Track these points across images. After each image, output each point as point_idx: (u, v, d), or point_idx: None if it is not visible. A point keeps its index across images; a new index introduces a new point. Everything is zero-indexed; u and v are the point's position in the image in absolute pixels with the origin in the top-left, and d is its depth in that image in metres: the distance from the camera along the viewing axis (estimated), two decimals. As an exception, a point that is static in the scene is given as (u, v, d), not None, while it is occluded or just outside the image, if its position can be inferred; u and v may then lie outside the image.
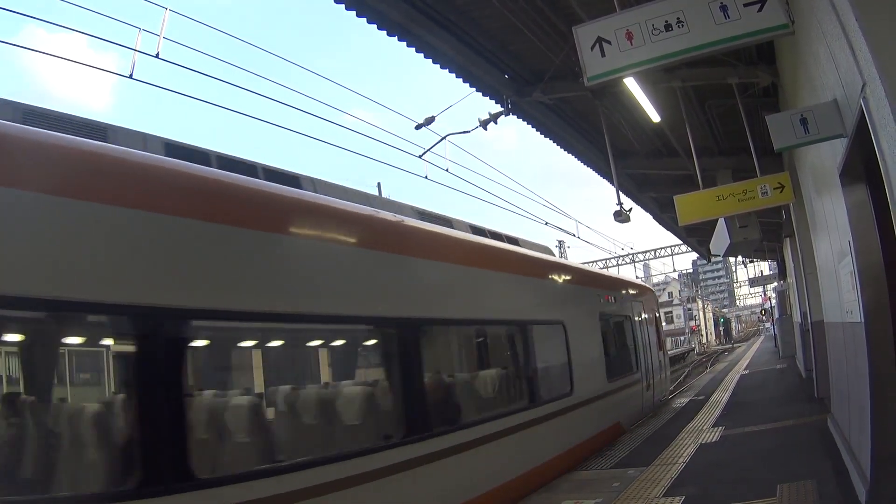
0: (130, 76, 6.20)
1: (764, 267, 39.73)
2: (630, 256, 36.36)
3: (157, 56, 6.10)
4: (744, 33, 4.08)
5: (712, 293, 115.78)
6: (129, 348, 3.24)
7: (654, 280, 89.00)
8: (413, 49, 6.85)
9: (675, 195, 7.96)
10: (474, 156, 11.48)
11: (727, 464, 6.66)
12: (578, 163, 11.41)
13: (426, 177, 10.12)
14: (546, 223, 32.75)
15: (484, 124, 8.42)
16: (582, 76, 4.53)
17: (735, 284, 77.40)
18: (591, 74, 4.48)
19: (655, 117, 7.94)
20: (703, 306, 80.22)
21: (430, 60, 7.15)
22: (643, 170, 12.23)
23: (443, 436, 5.10)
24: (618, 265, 36.99)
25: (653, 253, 36.92)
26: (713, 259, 34.79)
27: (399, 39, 6.62)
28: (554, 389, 7.59)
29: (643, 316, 12.10)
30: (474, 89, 8.00)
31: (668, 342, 64.90)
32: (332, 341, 5.05)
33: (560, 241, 39.74)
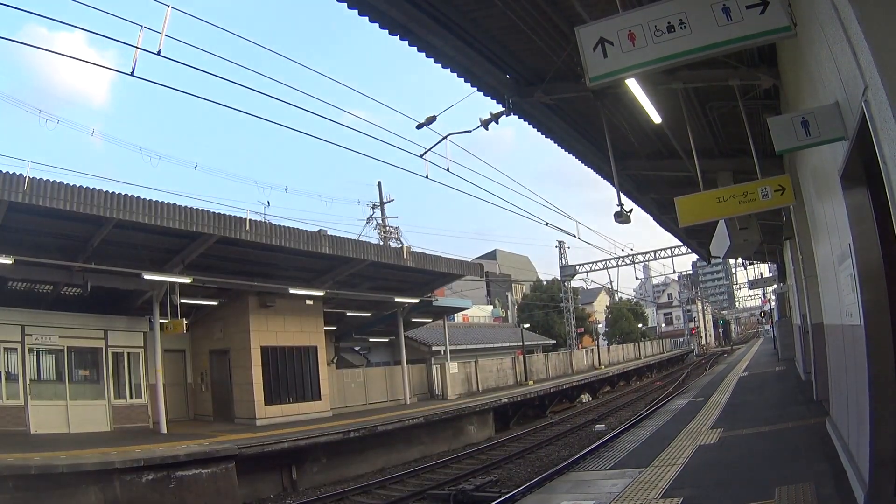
0: (132, 73, 6.21)
1: (764, 269, 39.74)
2: (630, 257, 36.33)
3: (158, 53, 6.11)
4: (746, 35, 4.07)
5: (712, 295, 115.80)
6: None
7: (654, 281, 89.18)
8: (415, 48, 6.85)
9: (675, 196, 7.96)
10: (475, 155, 11.47)
11: (725, 466, 6.67)
12: (570, 165, 11.40)
13: (427, 176, 10.15)
14: (546, 223, 32.84)
15: (485, 124, 8.42)
16: (584, 77, 4.52)
17: (735, 286, 77.41)
18: (592, 75, 4.47)
19: (657, 118, 7.93)
20: (703, 308, 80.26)
21: (432, 60, 7.14)
22: (644, 171, 12.21)
23: None
24: (618, 266, 37.01)
25: (653, 254, 36.87)
26: (713, 261, 34.75)
27: (401, 39, 6.61)
28: None
29: None
30: (475, 89, 7.99)
31: (667, 343, 65.20)
32: None
33: (560, 242, 39.78)
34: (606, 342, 52.88)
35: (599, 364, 38.09)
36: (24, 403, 12.79)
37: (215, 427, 15.23)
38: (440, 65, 7.27)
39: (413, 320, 23.53)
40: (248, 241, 13.47)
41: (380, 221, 31.32)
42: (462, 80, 7.71)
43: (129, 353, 15.34)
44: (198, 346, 17.97)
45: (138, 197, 11.44)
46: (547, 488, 6.64)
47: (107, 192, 11.01)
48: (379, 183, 32.56)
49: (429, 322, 25.46)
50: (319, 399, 17.71)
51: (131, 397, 15.18)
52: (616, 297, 59.86)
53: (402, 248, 18.99)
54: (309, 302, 17.56)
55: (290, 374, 17.14)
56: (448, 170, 9.92)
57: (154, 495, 9.56)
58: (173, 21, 5.81)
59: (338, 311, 20.28)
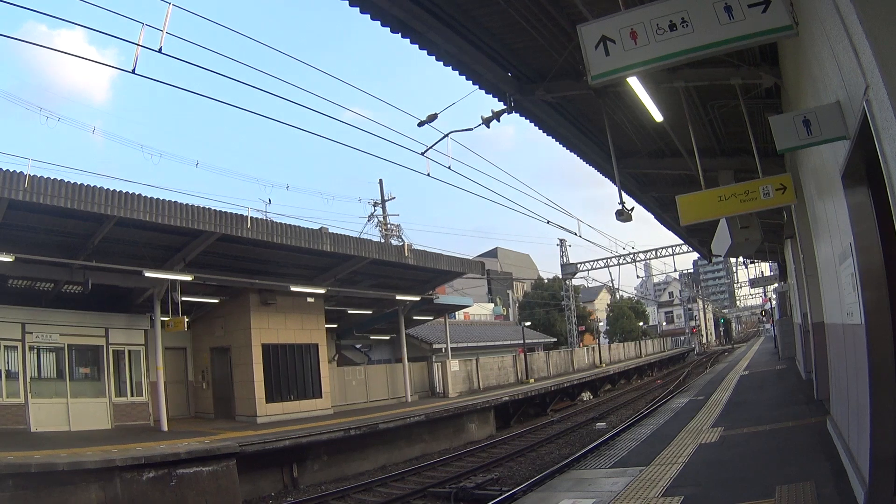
0: (133, 71, 6.21)
1: (765, 268, 39.75)
2: (631, 256, 36.31)
3: (159, 51, 6.10)
4: (748, 34, 4.06)
5: (713, 293, 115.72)
6: None
7: (656, 280, 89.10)
8: (416, 46, 6.84)
9: (676, 195, 7.95)
10: (477, 153, 11.47)
11: (726, 464, 6.67)
12: (570, 163, 11.39)
13: (428, 174, 10.14)
14: (548, 222, 32.82)
15: (487, 122, 8.41)
16: (585, 75, 4.52)
17: (736, 285, 77.32)
18: (594, 73, 4.46)
19: (658, 117, 7.92)
20: (704, 307, 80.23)
21: (433, 58, 7.14)
22: (645, 169, 12.20)
23: None
24: (619, 264, 37.00)
25: (654, 253, 36.84)
26: (714, 259, 34.72)
27: (402, 36, 6.60)
28: None
29: None
30: (477, 87, 7.98)
31: (668, 341, 65.36)
32: None
33: (561, 240, 39.76)
34: (607, 340, 52.89)
35: (600, 362, 38.10)
36: (25, 401, 12.83)
37: (216, 425, 15.26)
38: (441, 62, 7.26)
39: (414, 318, 23.55)
40: (249, 239, 13.47)
41: (381, 219, 31.34)
42: (463, 77, 7.70)
43: (129, 351, 15.37)
44: (199, 343, 18.00)
45: (139, 194, 11.45)
46: (548, 486, 6.65)
47: (108, 189, 11.02)
48: (380, 181, 32.62)
49: (430, 320, 25.48)
50: (320, 397, 17.73)
51: (132, 395, 15.22)
52: (617, 296, 59.85)
53: (403, 245, 18.99)
54: (310, 299, 17.58)
55: (291, 372, 17.16)
56: (449, 167, 9.92)
57: (155, 493, 9.58)
58: (174, 19, 5.81)
59: (339, 309, 20.30)
